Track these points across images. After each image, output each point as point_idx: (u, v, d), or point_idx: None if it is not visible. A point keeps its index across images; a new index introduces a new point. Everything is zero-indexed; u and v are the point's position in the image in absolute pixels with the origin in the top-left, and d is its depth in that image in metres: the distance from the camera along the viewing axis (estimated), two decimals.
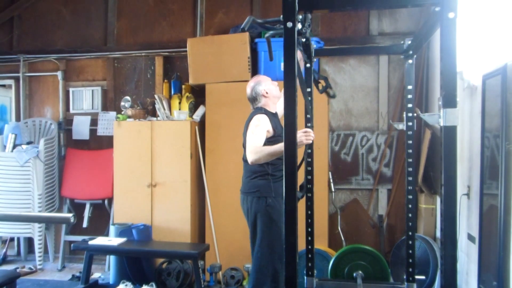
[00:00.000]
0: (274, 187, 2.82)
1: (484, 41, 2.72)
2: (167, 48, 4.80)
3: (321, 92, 2.65)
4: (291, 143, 1.51)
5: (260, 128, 2.79)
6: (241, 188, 2.98)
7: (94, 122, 4.92)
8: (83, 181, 4.77)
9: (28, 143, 4.71)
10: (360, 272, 2.79)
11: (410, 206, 2.56)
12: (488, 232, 2.56)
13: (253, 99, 3.04)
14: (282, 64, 1.56)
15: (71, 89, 5.04)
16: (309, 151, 2.64)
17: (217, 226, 4.17)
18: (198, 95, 4.47)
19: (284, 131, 1.52)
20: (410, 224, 2.56)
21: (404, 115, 2.58)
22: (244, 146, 2.94)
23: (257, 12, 4.61)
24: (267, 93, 2.98)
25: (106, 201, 4.70)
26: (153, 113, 4.60)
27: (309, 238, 2.63)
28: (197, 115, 4.36)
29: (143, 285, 3.79)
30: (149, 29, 4.89)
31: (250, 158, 2.70)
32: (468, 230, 2.99)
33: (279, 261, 2.78)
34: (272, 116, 2.95)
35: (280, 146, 2.63)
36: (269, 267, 2.79)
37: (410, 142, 2.56)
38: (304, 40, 2.19)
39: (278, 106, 3.07)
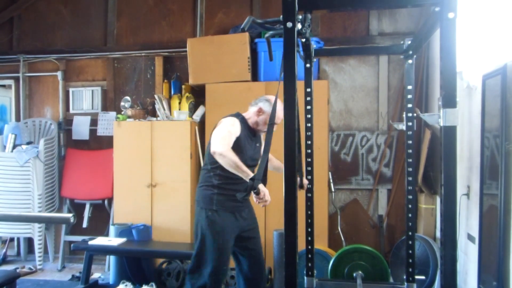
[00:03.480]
0: (218, 200, 2.66)
1: (484, 41, 2.72)
2: (167, 48, 4.80)
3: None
4: (291, 143, 1.51)
5: (234, 130, 2.63)
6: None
7: (94, 122, 4.92)
8: (83, 181, 4.76)
9: (28, 143, 4.70)
10: (360, 272, 2.79)
11: (410, 206, 2.56)
12: (488, 232, 2.56)
13: (251, 105, 2.82)
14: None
15: (71, 89, 5.04)
16: (309, 151, 2.64)
17: None
18: (198, 95, 4.47)
19: (284, 131, 1.51)
20: (410, 224, 2.56)
21: (404, 115, 2.57)
22: (208, 148, 2.72)
23: (257, 12, 4.61)
24: (260, 112, 2.73)
25: (106, 201, 4.70)
26: (153, 113, 4.59)
27: (309, 238, 2.63)
28: (197, 115, 4.36)
29: (143, 285, 3.79)
30: (149, 29, 4.89)
31: (219, 148, 2.47)
32: (468, 230, 2.99)
33: (211, 277, 2.66)
34: (246, 130, 2.73)
35: (247, 170, 2.43)
36: (200, 277, 2.71)
37: (410, 142, 2.56)
38: (304, 40, 2.18)
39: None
